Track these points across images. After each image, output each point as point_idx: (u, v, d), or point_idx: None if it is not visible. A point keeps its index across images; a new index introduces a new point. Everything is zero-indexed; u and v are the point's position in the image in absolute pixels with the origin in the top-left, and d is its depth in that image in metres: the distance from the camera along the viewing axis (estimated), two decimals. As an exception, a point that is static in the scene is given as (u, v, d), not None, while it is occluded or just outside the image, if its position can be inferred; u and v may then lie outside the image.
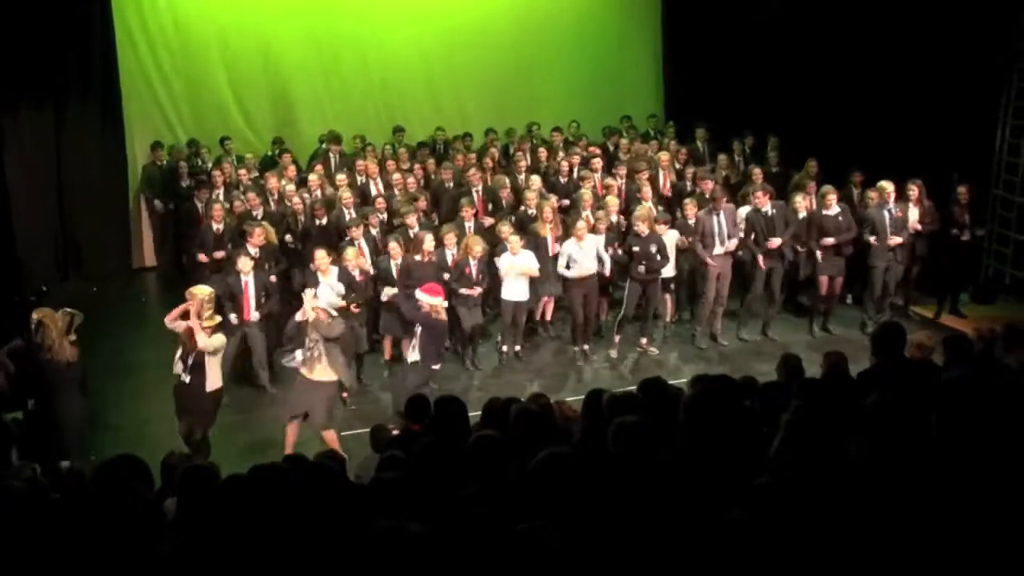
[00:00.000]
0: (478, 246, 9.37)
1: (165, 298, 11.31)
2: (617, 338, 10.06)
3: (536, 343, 10.43)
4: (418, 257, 9.16)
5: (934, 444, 3.87)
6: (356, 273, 8.91)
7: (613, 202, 10.29)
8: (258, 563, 3.67)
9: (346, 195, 10.47)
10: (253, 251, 9.10)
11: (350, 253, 8.90)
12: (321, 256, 8.70)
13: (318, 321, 7.41)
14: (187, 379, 7.27)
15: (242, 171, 11.74)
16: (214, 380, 7.36)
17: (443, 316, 8.07)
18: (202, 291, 7.43)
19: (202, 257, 10.13)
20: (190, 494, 4.22)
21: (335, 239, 9.83)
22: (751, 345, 10.31)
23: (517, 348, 10.05)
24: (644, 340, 10.19)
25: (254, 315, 8.88)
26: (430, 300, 7.91)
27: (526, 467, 3.85)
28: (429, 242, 9.17)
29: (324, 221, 10.23)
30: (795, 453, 3.88)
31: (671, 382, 5.52)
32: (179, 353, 7.35)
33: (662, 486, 3.83)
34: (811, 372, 5.94)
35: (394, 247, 9.21)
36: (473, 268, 9.36)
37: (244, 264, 8.79)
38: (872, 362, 5.54)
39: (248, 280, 8.83)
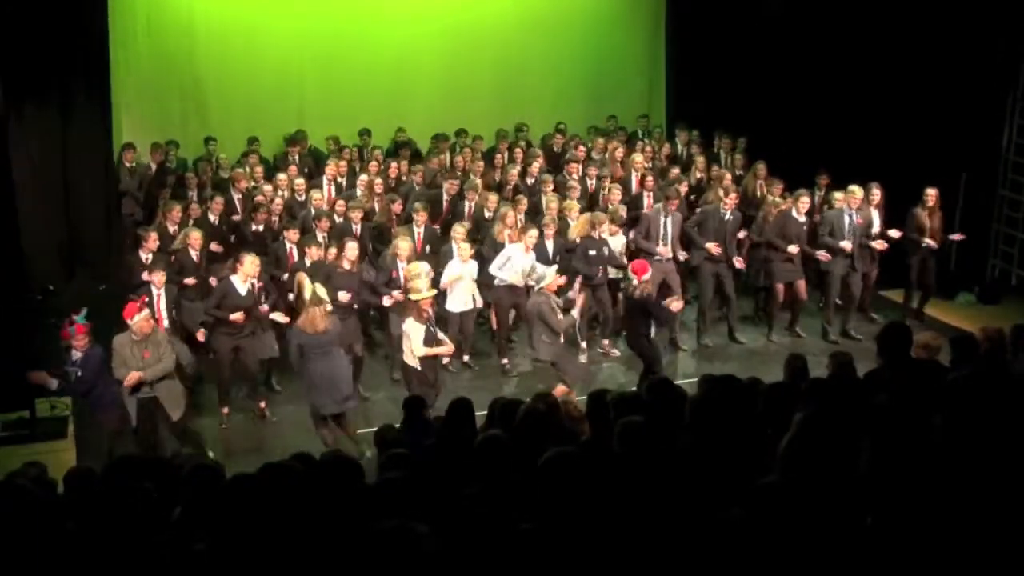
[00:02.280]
0: (404, 245, 9.04)
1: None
2: (584, 343, 9.95)
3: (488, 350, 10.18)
4: (339, 266, 8.83)
5: (939, 444, 3.87)
6: (253, 283, 8.52)
7: (574, 206, 10.16)
8: (262, 562, 3.67)
9: (316, 196, 10.33)
10: (144, 256, 8.96)
11: (247, 262, 8.49)
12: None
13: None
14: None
15: (237, 171, 11.63)
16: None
17: (648, 288, 8.66)
18: (419, 267, 8.02)
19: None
20: (195, 493, 4.22)
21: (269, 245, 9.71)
22: (714, 349, 10.23)
23: (466, 358, 9.79)
24: (605, 342, 10.09)
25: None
26: (634, 278, 8.57)
27: (532, 467, 3.85)
28: (351, 250, 8.84)
29: (261, 227, 10.02)
30: (805, 453, 3.87)
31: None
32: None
33: (668, 486, 3.83)
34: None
35: (313, 249, 9.01)
36: (400, 272, 8.87)
37: (158, 277, 8.38)
38: (878, 362, 5.52)
39: (160, 293, 8.44)
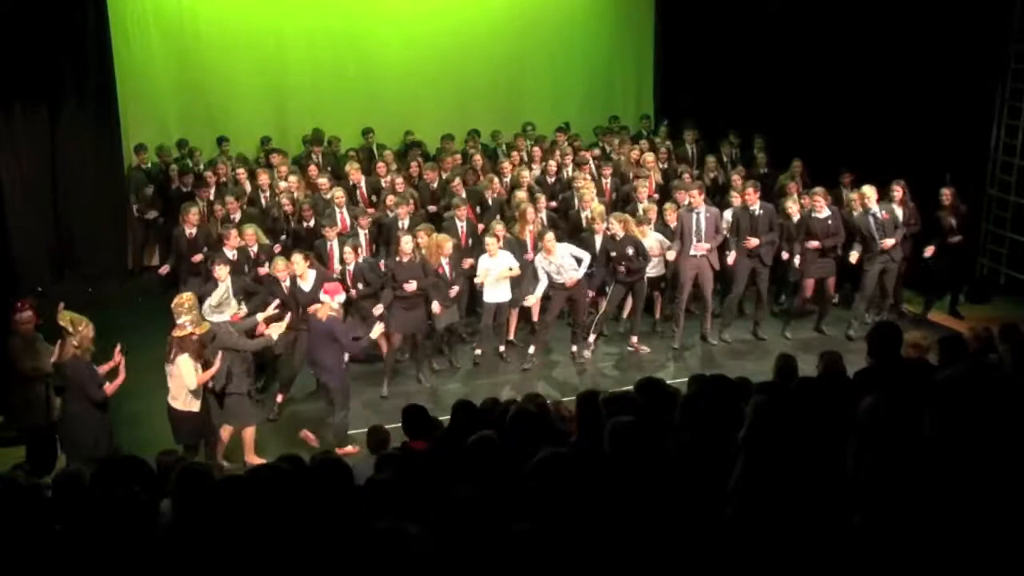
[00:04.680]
0: (448, 244, 9.31)
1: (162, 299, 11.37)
2: (592, 337, 10.04)
3: (526, 342, 10.28)
4: (399, 258, 9.07)
5: (928, 443, 3.87)
6: (287, 283, 8.65)
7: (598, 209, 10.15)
8: (255, 563, 3.67)
9: (339, 194, 10.44)
10: (230, 254, 9.04)
11: (280, 264, 8.65)
12: (297, 260, 8.63)
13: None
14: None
15: (240, 171, 11.66)
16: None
17: (328, 316, 7.88)
18: (188, 299, 7.35)
19: (163, 269, 10.35)
20: (186, 495, 4.20)
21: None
22: (734, 346, 10.31)
23: (502, 348, 10.04)
24: (634, 339, 10.19)
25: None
26: (327, 300, 7.89)
27: (523, 468, 3.85)
28: (406, 243, 9.06)
29: (312, 223, 10.18)
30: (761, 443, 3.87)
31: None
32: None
33: (658, 486, 3.83)
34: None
35: (348, 252, 9.09)
36: (446, 267, 9.30)
37: (221, 271, 8.48)
38: (868, 362, 5.53)
39: (226, 285, 8.53)
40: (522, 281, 9.85)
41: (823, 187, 10.37)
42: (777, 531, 3.33)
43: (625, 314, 10.44)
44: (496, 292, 9.58)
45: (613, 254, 9.63)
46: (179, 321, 7.20)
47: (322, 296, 8.03)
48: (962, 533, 3.28)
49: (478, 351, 9.94)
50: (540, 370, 9.79)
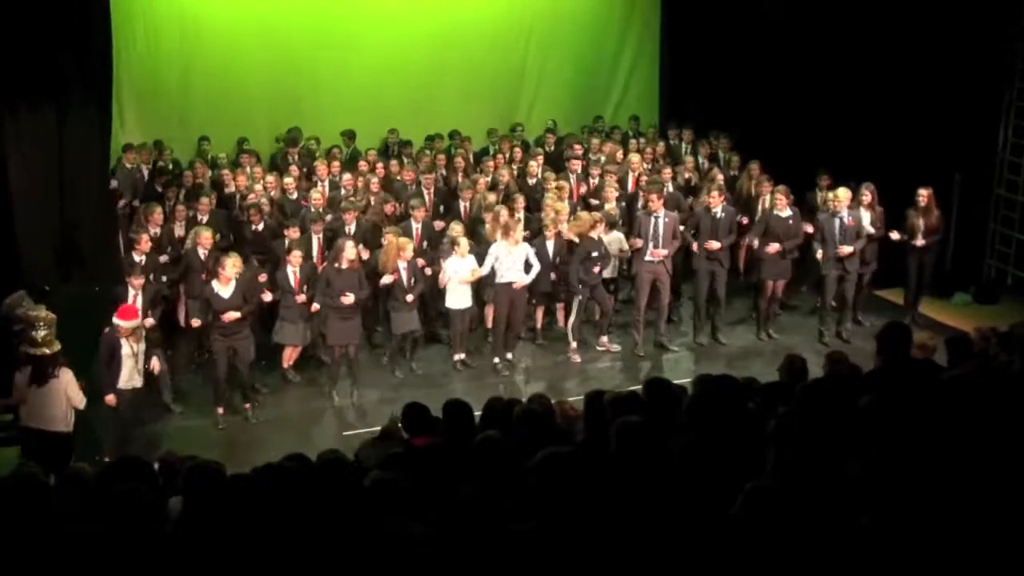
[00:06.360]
0: (409, 247, 9.16)
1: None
2: (574, 344, 9.98)
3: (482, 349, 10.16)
4: (337, 265, 8.80)
5: (933, 443, 3.86)
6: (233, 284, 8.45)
7: (563, 209, 10.09)
8: (262, 562, 3.67)
9: (316, 196, 10.34)
10: (138, 258, 8.92)
11: (228, 265, 8.49)
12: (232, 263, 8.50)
13: None
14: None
15: (226, 172, 11.57)
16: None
17: (126, 334, 7.50)
18: (47, 314, 6.94)
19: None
20: (198, 493, 4.20)
21: (269, 244, 9.78)
22: (704, 349, 10.25)
23: (463, 356, 9.83)
24: (604, 339, 10.15)
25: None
26: (124, 324, 7.47)
27: (527, 467, 3.84)
28: (350, 250, 8.84)
29: (260, 227, 10.04)
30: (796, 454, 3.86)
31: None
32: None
33: (664, 486, 3.82)
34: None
35: (295, 255, 8.94)
36: (403, 272, 9.14)
37: (136, 281, 8.25)
38: (877, 362, 5.51)
39: (137, 294, 8.34)
40: (486, 285, 9.72)
41: (788, 188, 10.24)
42: (785, 533, 3.32)
43: (597, 316, 10.32)
44: (458, 299, 9.45)
45: (595, 254, 9.60)
46: (42, 338, 6.75)
47: (115, 319, 7.55)
48: (967, 533, 3.27)
49: (457, 356, 9.76)
50: (498, 378, 9.67)
